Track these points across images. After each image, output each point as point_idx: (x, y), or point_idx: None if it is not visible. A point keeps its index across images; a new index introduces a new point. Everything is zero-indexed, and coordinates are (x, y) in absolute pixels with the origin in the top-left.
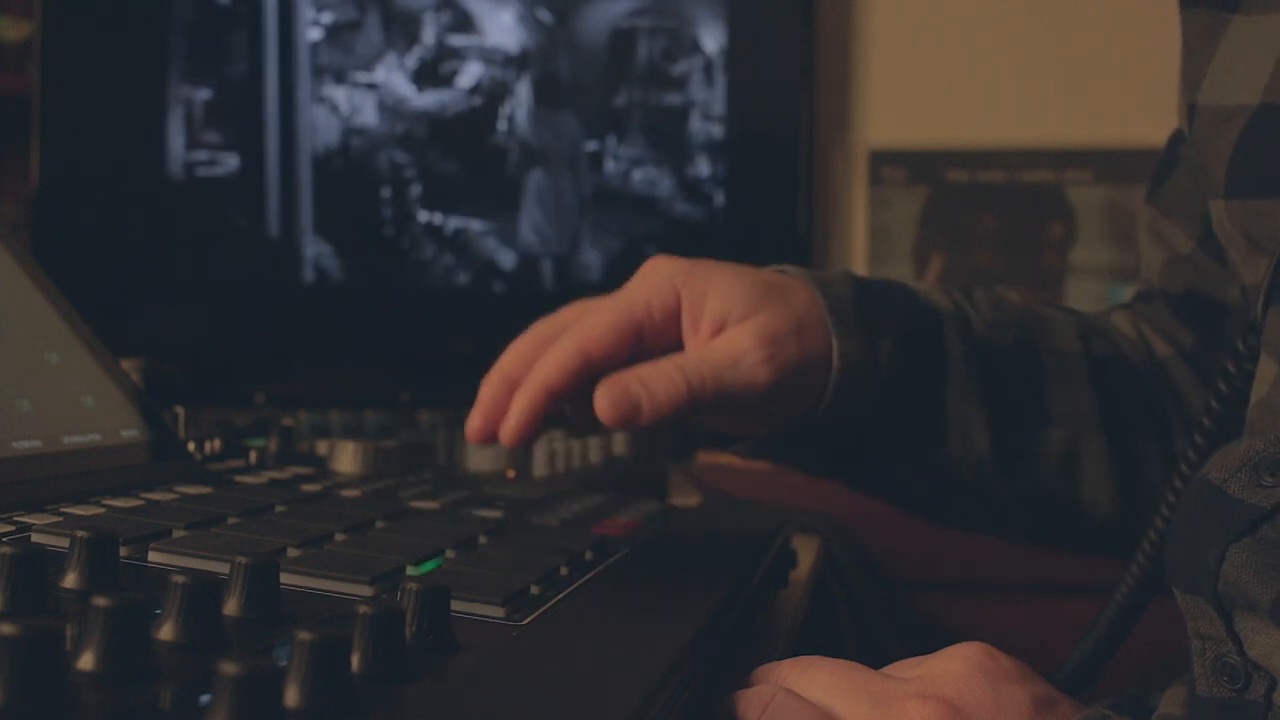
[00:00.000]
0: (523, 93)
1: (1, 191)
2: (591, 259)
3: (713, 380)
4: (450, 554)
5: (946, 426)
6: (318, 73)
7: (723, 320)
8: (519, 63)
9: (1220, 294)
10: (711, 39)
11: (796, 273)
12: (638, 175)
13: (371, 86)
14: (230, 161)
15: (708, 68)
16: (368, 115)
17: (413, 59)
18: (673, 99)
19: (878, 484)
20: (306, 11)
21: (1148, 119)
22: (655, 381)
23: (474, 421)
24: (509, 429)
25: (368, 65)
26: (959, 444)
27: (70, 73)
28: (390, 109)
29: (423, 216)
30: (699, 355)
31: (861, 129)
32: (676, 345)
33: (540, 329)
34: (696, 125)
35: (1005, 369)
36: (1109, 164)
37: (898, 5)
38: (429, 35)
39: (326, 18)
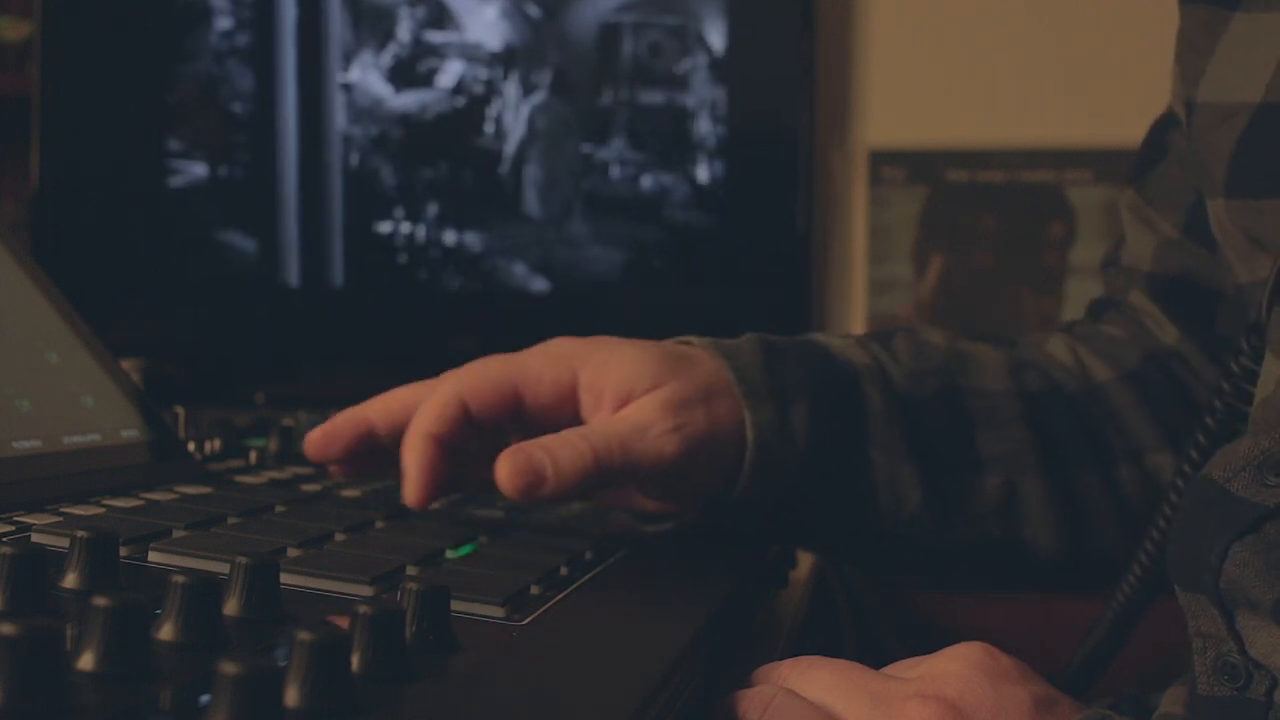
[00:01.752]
0: (510, 92)
1: (1, 191)
2: (588, 258)
3: (620, 450)
4: (450, 554)
5: (875, 485)
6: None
7: (627, 393)
8: (505, 60)
9: (1214, 282)
10: (710, 39)
11: (702, 342)
12: (634, 176)
13: (345, 86)
14: (229, 162)
15: (706, 67)
16: (339, 116)
17: (387, 57)
18: (671, 99)
19: (812, 544)
20: (335, 8)
21: (1148, 119)
22: (560, 451)
23: (313, 434)
24: (410, 490)
25: (339, 64)
26: (890, 501)
27: (70, 73)
28: (366, 111)
29: (408, 223)
30: (605, 425)
31: (861, 129)
32: (572, 424)
33: (417, 384)
34: (695, 125)
35: (930, 419)
36: (1109, 164)
37: (898, 5)
38: (404, 31)
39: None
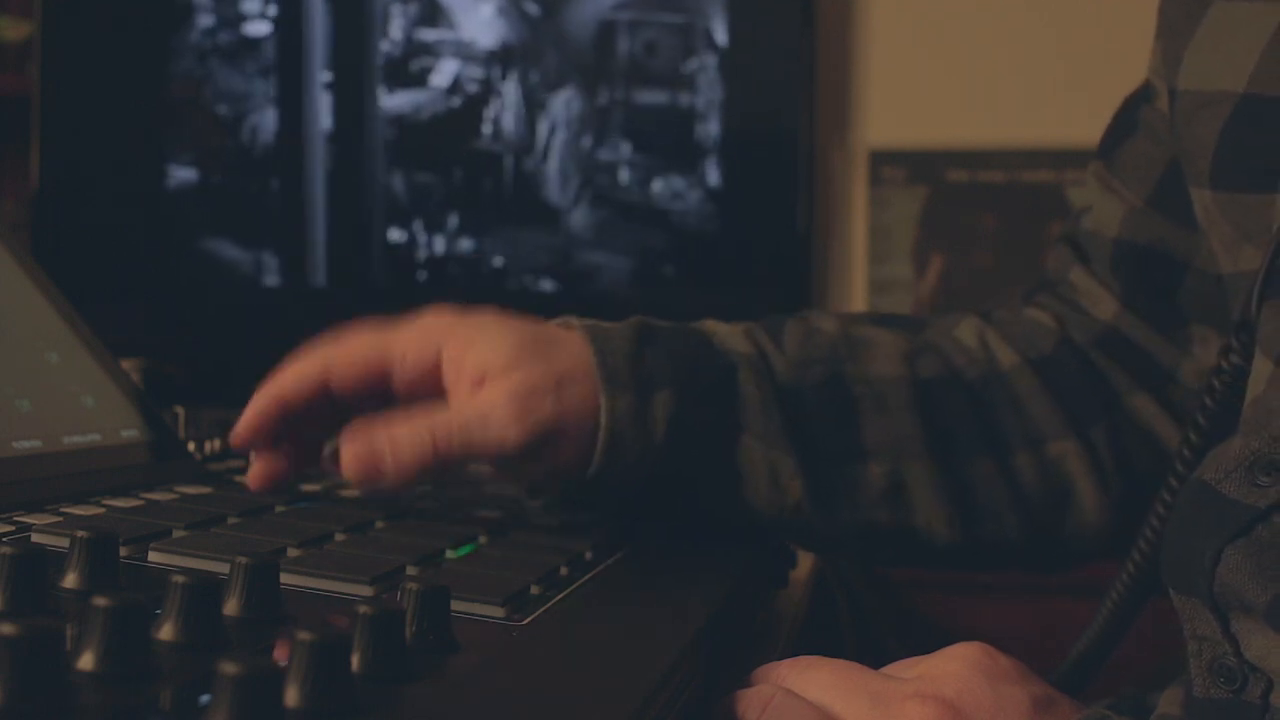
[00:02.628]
0: (510, 92)
1: (1, 191)
2: (588, 258)
3: (460, 440)
4: (450, 554)
5: (754, 475)
6: (267, 71)
7: (483, 374)
8: (502, 59)
9: (1183, 254)
10: (711, 38)
11: (580, 325)
12: (632, 176)
13: (329, 86)
14: (230, 161)
15: (705, 67)
16: (324, 117)
17: (378, 56)
18: (670, 98)
19: (693, 524)
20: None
21: None
22: (402, 439)
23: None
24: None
25: (327, 63)
26: (770, 490)
27: (70, 73)
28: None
29: (401, 228)
30: (450, 414)
31: (861, 129)
32: (437, 397)
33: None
34: (695, 125)
35: (813, 408)
36: None
37: (898, 5)
38: (395, 29)
39: (273, 10)
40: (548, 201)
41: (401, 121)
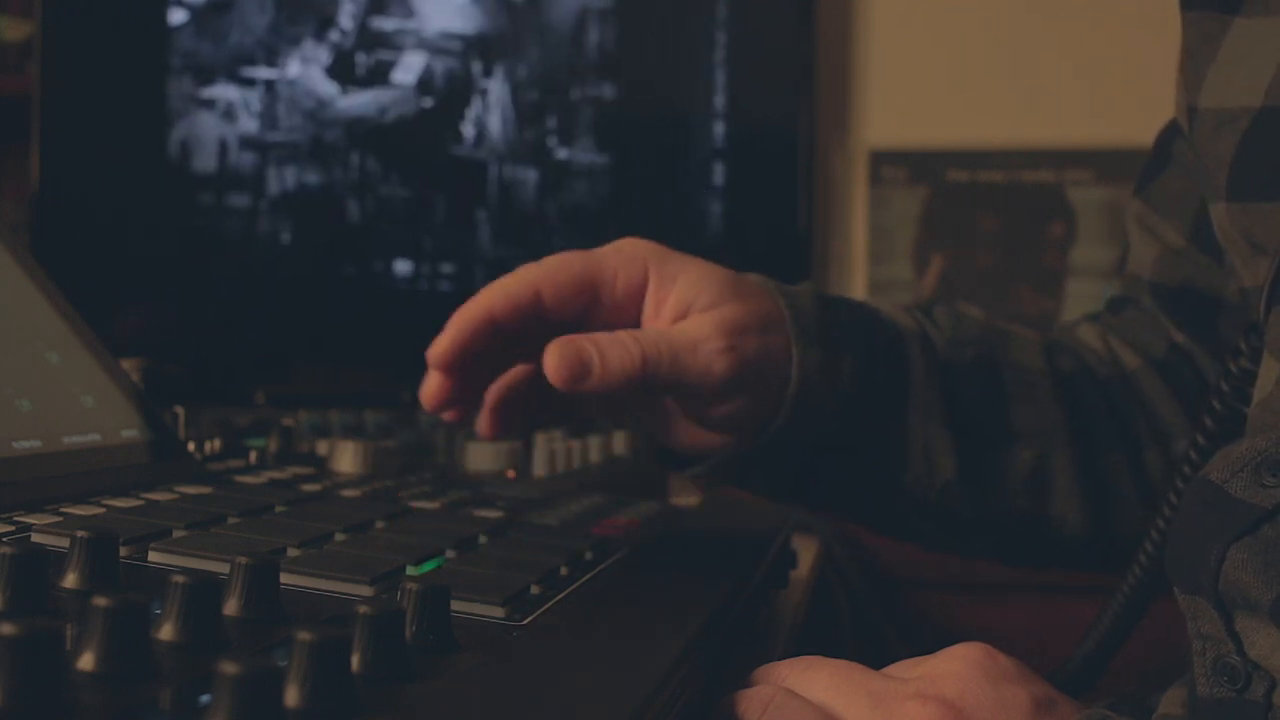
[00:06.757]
0: (495, 89)
1: (1, 191)
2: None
3: (669, 358)
4: (450, 554)
5: (909, 448)
6: (185, 68)
7: (687, 307)
8: (481, 51)
9: (1214, 289)
10: (710, 39)
11: (761, 280)
12: (631, 175)
13: (270, 84)
14: (231, 160)
15: (706, 66)
16: (256, 121)
17: (325, 49)
18: (670, 97)
19: (839, 505)
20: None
21: (1148, 119)
22: (610, 348)
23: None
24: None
25: (270, 58)
26: (922, 466)
27: (70, 73)
28: (308, 113)
29: (397, 225)
30: (659, 332)
31: (861, 129)
32: (633, 325)
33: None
34: (696, 124)
35: (968, 387)
36: (1109, 164)
37: (898, 5)
38: (345, 17)
39: None
40: (540, 201)
41: (364, 124)
